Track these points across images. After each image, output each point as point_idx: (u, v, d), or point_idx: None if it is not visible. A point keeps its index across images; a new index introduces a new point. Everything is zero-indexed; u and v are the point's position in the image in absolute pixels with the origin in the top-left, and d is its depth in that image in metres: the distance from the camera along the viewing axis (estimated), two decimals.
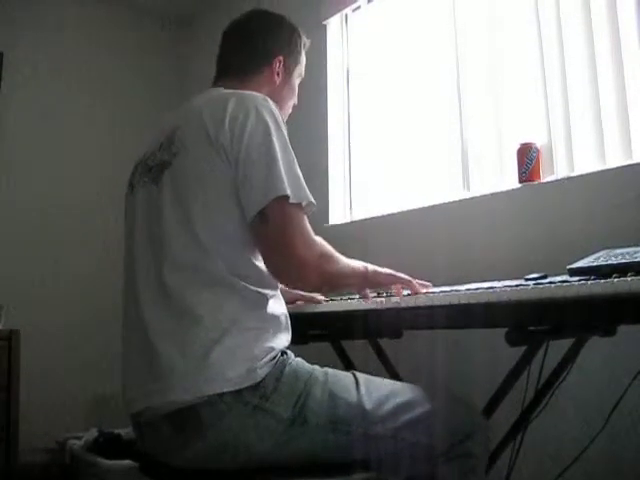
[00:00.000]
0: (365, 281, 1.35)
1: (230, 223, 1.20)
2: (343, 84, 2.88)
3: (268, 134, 1.21)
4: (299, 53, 1.56)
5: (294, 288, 1.46)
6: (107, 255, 2.97)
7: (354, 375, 1.27)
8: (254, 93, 1.29)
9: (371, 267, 1.35)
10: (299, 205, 1.20)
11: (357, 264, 1.33)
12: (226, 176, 1.19)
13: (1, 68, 3.14)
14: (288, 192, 1.17)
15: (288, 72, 1.51)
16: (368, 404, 1.20)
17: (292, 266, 1.19)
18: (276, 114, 1.25)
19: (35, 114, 3.31)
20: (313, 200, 1.24)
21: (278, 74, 1.48)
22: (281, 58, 1.49)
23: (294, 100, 1.57)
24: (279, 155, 1.20)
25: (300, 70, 1.57)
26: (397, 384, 1.35)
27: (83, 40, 3.52)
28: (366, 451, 1.18)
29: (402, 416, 1.21)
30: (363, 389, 1.23)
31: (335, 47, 2.90)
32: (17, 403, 2.47)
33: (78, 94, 3.45)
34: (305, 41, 1.58)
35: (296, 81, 1.56)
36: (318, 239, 1.23)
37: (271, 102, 1.27)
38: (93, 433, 2.63)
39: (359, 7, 2.81)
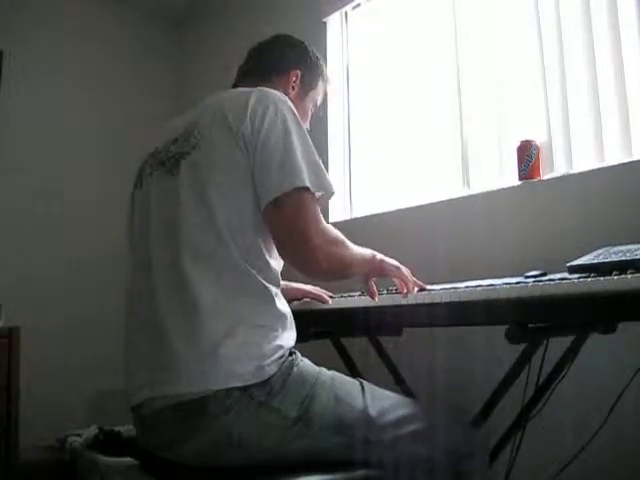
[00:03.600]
0: (372, 268, 1.38)
1: (246, 211, 1.22)
2: (343, 81, 2.87)
3: (286, 126, 1.23)
4: (318, 77, 1.60)
5: (305, 273, 1.46)
6: (107, 251, 2.96)
7: (360, 383, 1.29)
8: (272, 90, 1.32)
9: (379, 256, 1.39)
10: (313, 194, 1.22)
11: (366, 251, 1.37)
12: (244, 165, 1.21)
13: (1, 66, 3.13)
14: (305, 182, 1.19)
15: (303, 90, 1.56)
16: (372, 411, 1.22)
17: (304, 251, 1.21)
18: (294, 110, 1.28)
19: (35, 112, 3.30)
20: (332, 188, 1.27)
21: (293, 88, 1.53)
22: (298, 72, 1.54)
23: (305, 123, 1.55)
24: (297, 145, 1.22)
25: (315, 97, 1.61)
26: (401, 398, 1.38)
27: (83, 39, 3.52)
28: (367, 456, 1.19)
29: (404, 427, 1.23)
30: (368, 396, 1.25)
31: (335, 44, 2.90)
32: (17, 400, 2.47)
33: (78, 93, 3.45)
34: (327, 76, 1.63)
35: (309, 105, 1.59)
36: (329, 227, 1.26)
37: (288, 99, 1.30)
38: (93, 430, 2.63)
39: (359, 4, 2.81)
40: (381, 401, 1.26)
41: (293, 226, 1.20)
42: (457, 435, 1.29)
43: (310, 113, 1.62)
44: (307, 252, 1.21)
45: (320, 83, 1.62)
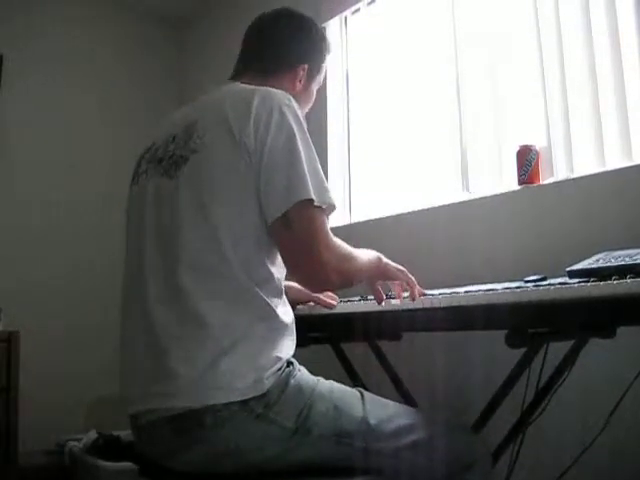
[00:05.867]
0: (378, 273, 1.37)
1: (248, 224, 1.18)
2: (342, 86, 2.88)
3: (292, 136, 1.19)
4: (322, 62, 1.56)
5: (313, 289, 1.45)
6: (107, 255, 2.96)
7: (360, 392, 1.27)
8: (277, 91, 1.27)
9: (385, 260, 1.38)
10: (321, 208, 1.19)
11: (372, 256, 1.36)
12: (248, 177, 1.17)
13: (1, 69, 3.14)
14: (312, 195, 1.16)
15: (309, 81, 1.51)
16: (372, 420, 1.20)
17: (315, 270, 1.19)
18: (299, 115, 1.24)
19: (35, 115, 3.30)
20: (335, 203, 1.23)
21: (300, 81, 1.48)
22: (305, 67, 1.48)
23: (310, 106, 1.56)
24: (303, 157, 1.19)
25: (320, 79, 1.57)
26: (401, 406, 1.36)
27: (83, 41, 3.52)
28: (367, 465, 1.18)
29: (404, 437, 1.22)
30: (368, 405, 1.23)
31: (334, 49, 2.89)
32: (16, 405, 2.47)
33: (78, 95, 3.45)
34: (330, 49, 1.59)
35: (314, 89, 1.56)
36: (338, 240, 1.24)
37: (293, 101, 1.26)
38: (92, 435, 2.62)
39: (358, 9, 2.81)
40: (381, 410, 1.24)
41: (302, 243, 1.18)
42: (458, 444, 1.27)
43: (315, 93, 1.57)
44: (317, 269, 1.18)
45: (325, 65, 1.58)
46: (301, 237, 1.18)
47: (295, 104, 1.26)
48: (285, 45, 1.48)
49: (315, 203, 1.17)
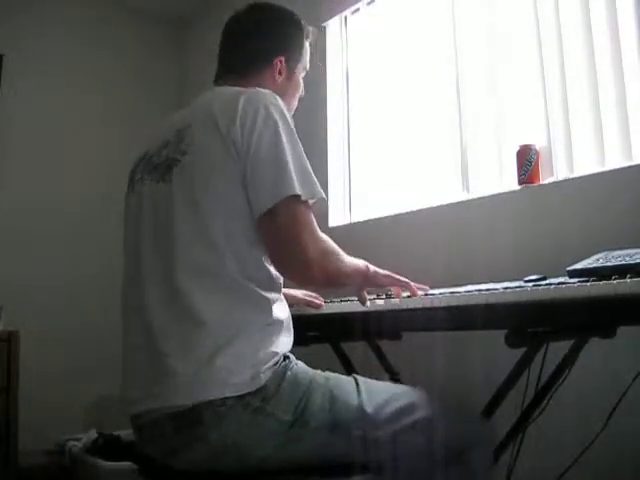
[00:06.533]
0: (365, 280, 1.35)
1: (240, 221, 1.20)
2: (342, 86, 2.88)
3: (277, 132, 1.21)
4: (301, 48, 1.53)
5: (298, 284, 1.46)
6: (107, 256, 2.96)
7: (355, 379, 1.27)
8: (264, 91, 1.28)
9: (372, 267, 1.36)
10: (307, 203, 1.21)
11: (359, 263, 1.34)
12: (236, 173, 1.19)
13: (1, 69, 3.14)
14: (297, 191, 1.18)
15: (290, 69, 1.50)
16: (369, 408, 1.20)
17: (298, 263, 1.20)
18: (285, 112, 1.25)
19: (35, 116, 3.31)
20: (323, 195, 1.24)
21: (280, 73, 1.47)
22: (282, 58, 1.47)
23: (300, 93, 1.55)
24: (288, 153, 1.20)
25: (304, 64, 1.55)
26: (399, 387, 1.35)
27: (83, 42, 3.53)
28: (366, 454, 1.18)
29: (402, 419, 1.21)
30: (364, 393, 1.23)
31: (334, 49, 2.90)
32: (16, 405, 2.47)
33: (78, 95, 3.46)
34: (309, 33, 1.56)
35: (300, 75, 1.54)
36: (324, 236, 1.24)
37: (280, 100, 1.27)
38: (92, 435, 2.63)
39: (358, 9, 2.82)
40: (378, 395, 1.24)
41: (287, 237, 1.19)
42: (459, 424, 1.27)
43: (302, 79, 1.55)
44: (301, 263, 1.19)
45: (306, 48, 1.55)
46: (286, 232, 1.19)
47: (281, 102, 1.27)
48: (256, 41, 1.47)
49: (301, 199, 1.19)
